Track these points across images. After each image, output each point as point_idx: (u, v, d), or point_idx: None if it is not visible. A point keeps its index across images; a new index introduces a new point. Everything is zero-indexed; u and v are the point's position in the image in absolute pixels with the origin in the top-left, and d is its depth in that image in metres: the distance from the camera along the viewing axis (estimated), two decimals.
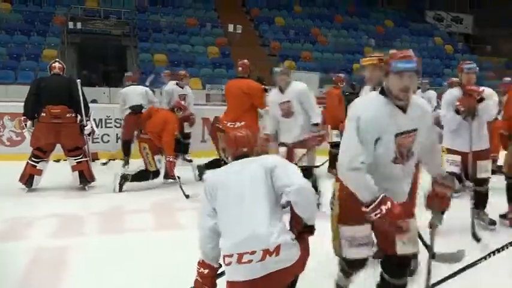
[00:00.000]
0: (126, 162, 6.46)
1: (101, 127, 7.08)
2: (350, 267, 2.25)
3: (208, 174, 2.22)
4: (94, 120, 5.76)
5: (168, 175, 5.36)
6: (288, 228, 2.06)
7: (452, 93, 3.84)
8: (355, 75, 8.34)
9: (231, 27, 14.03)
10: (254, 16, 16.14)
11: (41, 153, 4.91)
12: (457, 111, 3.68)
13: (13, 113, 6.64)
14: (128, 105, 6.43)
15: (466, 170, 3.79)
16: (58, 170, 5.33)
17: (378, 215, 1.87)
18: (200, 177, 5.26)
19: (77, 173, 4.99)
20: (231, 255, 1.95)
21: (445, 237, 3.17)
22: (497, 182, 4.14)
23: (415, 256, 2.39)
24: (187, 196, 4.73)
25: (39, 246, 3.28)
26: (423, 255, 2.32)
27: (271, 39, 14.83)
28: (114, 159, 6.81)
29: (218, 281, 2.16)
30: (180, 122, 6.43)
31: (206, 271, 2.11)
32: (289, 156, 4.10)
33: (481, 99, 3.63)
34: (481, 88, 3.74)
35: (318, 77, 11.98)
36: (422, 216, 2.30)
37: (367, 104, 2.00)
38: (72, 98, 4.94)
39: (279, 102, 4.22)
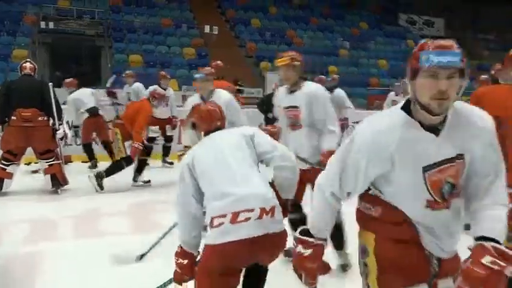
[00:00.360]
0: (94, 166, 6.39)
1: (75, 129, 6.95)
2: None
3: (183, 160, 2.16)
4: (67, 123, 5.67)
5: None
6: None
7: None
8: (331, 77, 8.50)
9: (207, 28, 13.98)
10: (230, 17, 16.14)
11: (11, 156, 4.78)
12: None
13: None
14: (83, 108, 6.36)
15: None
16: (30, 174, 5.20)
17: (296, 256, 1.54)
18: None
19: (49, 176, 4.89)
20: (223, 216, 1.88)
21: None
22: None
23: None
24: (146, 182, 5.29)
25: (11, 252, 3.19)
26: None
27: (248, 41, 14.86)
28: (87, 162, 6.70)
29: None
30: (163, 125, 6.42)
31: (186, 261, 2.04)
32: None
33: None
34: None
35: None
36: None
37: (377, 120, 1.41)
38: (44, 101, 4.84)
39: None
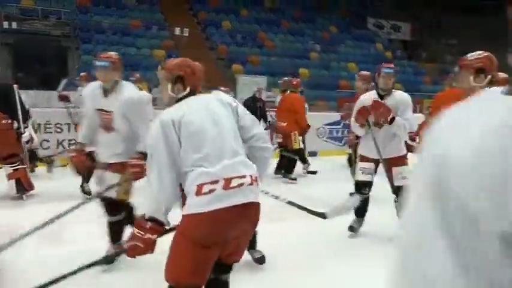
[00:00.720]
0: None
1: (40, 133, 6.74)
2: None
3: (161, 116, 1.95)
4: (33, 126, 5.49)
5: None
6: None
7: (366, 96, 3.78)
8: (301, 80, 8.61)
9: (177, 30, 13.85)
10: (201, 19, 16.05)
11: None
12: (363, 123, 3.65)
13: None
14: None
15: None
16: None
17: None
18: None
19: (13, 181, 4.71)
20: (215, 182, 1.83)
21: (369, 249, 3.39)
22: None
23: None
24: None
25: None
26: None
27: (219, 43, 14.82)
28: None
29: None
30: None
31: (154, 236, 1.90)
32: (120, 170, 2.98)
33: (392, 120, 3.57)
34: (395, 93, 3.67)
35: (266, 81, 12.13)
36: None
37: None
38: (7, 104, 4.66)
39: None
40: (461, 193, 0.44)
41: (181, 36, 13.89)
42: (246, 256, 3.15)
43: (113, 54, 3.04)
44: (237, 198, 1.86)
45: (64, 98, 6.67)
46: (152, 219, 1.89)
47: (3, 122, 4.62)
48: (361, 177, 3.83)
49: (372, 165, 3.80)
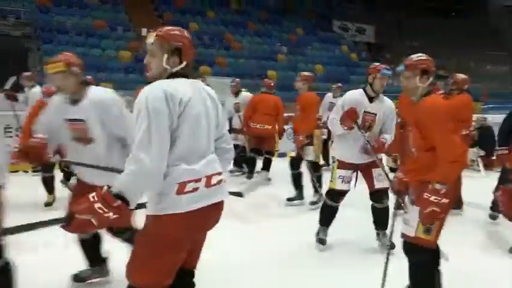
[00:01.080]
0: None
1: None
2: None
3: (160, 85, 1.72)
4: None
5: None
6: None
7: (355, 96, 3.56)
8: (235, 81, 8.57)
9: (144, 31, 13.63)
10: (167, 20, 15.84)
11: None
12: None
13: None
14: None
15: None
16: None
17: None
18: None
19: None
20: (198, 180, 1.75)
21: None
22: None
23: None
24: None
25: None
26: None
27: None
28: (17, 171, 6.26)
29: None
30: None
31: (128, 209, 1.65)
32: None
33: (370, 127, 3.51)
34: (384, 97, 3.55)
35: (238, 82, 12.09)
36: None
37: None
38: None
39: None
40: None
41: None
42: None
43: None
44: (216, 197, 1.82)
45: (12, 97, 6.03)
46: (121, 198, 1.63)
47: None
48: (340, 186, 3.54)
49: (350, 172, 3.55)
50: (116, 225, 1.73)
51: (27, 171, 6.34)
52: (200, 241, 1.93)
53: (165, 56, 1.79)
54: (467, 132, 4.75)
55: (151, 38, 1.83)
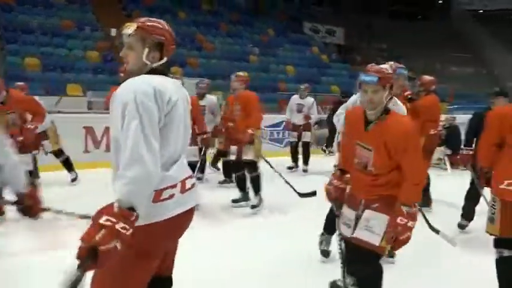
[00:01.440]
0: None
1: None
2: None
3: (149, 80, 1.61)
4: None
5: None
6: None
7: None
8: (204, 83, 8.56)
9: (113, 31, 13.36)
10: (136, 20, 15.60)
11: None
12: None
13: None
14: None
15: None
16: None
17: None
18: None
19: None
20: (174, 186, 1.63)
21: None
22: None
23: None
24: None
25: None
26: None
27: None
28: None
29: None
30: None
31: (131, 231, 1.47)
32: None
33: None
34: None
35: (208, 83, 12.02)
36: None
37: None
38: None
39: None
40: None
41: (117, 37, 13.40)
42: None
43: None
44: (190, 202, 1.72)
45: None
46: (133, 209, 1.47)
47: None
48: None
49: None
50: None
51: None
52: (173, 248, 1.84)
53: (146, 50, 1.68)
54: (435, 131, 4.89)
55: (129, 29, 1.72)
